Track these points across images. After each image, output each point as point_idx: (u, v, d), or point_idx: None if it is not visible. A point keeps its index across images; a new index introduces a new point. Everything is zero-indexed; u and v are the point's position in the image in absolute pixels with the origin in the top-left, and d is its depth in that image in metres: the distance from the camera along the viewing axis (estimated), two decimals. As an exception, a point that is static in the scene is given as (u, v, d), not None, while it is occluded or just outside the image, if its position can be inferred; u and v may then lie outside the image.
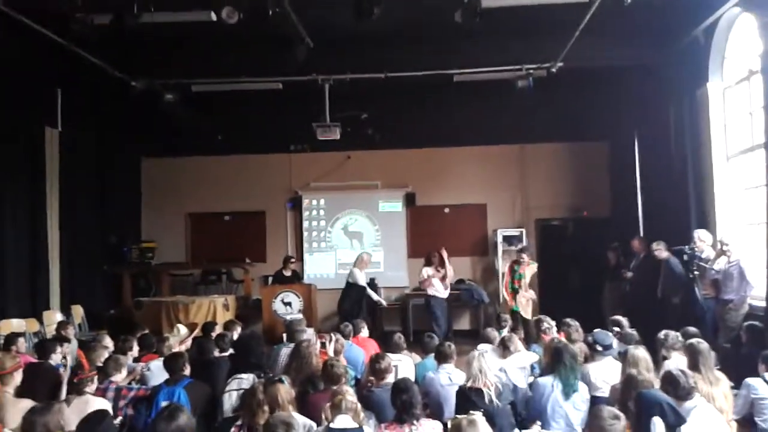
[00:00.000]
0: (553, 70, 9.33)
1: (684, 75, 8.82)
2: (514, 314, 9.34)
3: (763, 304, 6.80)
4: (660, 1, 7.98)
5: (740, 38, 8.10)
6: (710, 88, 8.47)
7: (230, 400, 5.14)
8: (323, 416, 4.16)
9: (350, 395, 4.20)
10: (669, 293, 8.10)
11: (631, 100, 10.59)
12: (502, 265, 11.19)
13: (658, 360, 5.37)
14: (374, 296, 10.35)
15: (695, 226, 8.23)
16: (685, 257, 7.49)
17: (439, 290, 9.75)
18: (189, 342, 7.48)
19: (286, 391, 4.48)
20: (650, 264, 8.98)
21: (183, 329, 8.22)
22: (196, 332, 8.15)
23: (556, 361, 4.90)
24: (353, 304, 9.89)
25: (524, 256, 9.68)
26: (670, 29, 8.74)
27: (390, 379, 5.06)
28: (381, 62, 9.37)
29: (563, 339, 5.82)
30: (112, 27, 6.91)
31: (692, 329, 5.80)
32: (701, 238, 7.67)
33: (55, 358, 6.05)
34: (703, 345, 4.83)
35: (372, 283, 10.80)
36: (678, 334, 5.60)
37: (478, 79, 9.68)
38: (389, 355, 5.67)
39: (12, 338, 6.61)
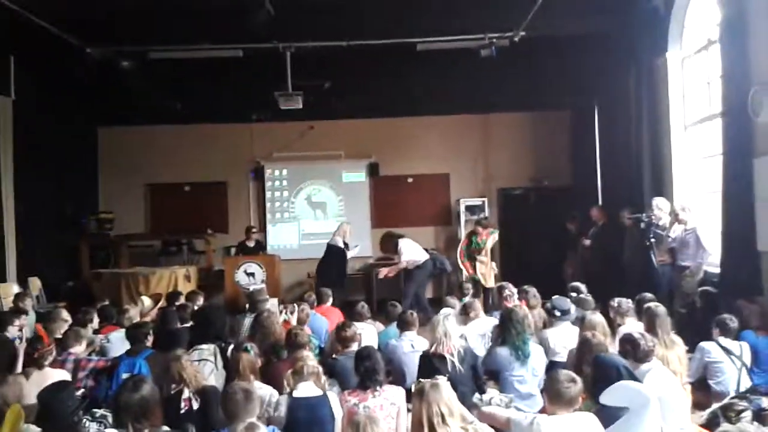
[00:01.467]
0: (516, 39, 9.33)
1: (644, 44, 8.88)
2: (476, 283, 9.45)
3: (717, 270, 6.98)
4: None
5: (700, 7, 8.16)
6: (669, 57, 8.56)
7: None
8: (285, 383, 4.17)
9: (311, 360, 4.23)
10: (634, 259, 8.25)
11: (592, 69, 10.62)
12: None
13: (614, 325, 5.50)
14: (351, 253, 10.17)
15: (651, 195, 8.37)
16: (642, 225, 7.62)
17: (418, 254, 9.62)
18: (154, 314, 7.39)
19: (248, 360, 4.49)
20: (609, 232, 9.15)
21: (147, 301, 8.06)
22: (161, 303, 8.09)
23: (504, 329, 4.98)
24: (331, 268, 9.75)
25: (479, 228, 9.72)
26: (630, -1, 8.79)
27: (355, 347, 5.10)
28: (343, 30, 9.24)
29: (524, 306, 5.91)
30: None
31: (648, 294, 5.93)
32: (659, 206, 7.77)
33: (12, 331, 5.94)
34: (660, 308, 4.96)
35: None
36: (629, 300, 5.73)
37: (442, 47, 9.62)
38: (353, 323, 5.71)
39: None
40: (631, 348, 4.10)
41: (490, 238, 9.73)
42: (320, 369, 4.25)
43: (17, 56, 9.51)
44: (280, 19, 8.14)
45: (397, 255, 9.58)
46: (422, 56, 9.85)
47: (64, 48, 8.92)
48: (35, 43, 8.90)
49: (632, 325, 5.23)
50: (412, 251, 9.55)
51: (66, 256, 11.03)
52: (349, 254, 9.91)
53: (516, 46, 9.42)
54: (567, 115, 12.10)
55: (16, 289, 8.82)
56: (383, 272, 9.89)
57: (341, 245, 9.82)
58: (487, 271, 9.52)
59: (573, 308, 5.78)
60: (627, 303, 5.64)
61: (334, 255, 9.77)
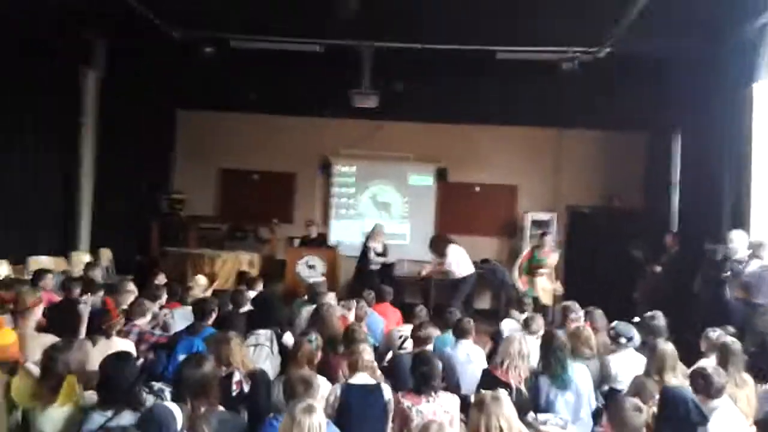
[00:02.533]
0: (600, 55, 9.14)
1: (732, 73, 8.55)
2: (535, 299, 9.25)
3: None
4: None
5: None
6: (757, 88, 8.23)
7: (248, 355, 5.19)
8: (341, 374, 4.23)
9: (367, 354, 4.26)
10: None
11: (675, 93, 10.34)
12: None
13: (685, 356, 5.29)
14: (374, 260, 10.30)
15: (728, 226, 8.07)
16: (719, 257, 7.36)
17: (464, 265, 9.66)
18: (209, 294, 7.51)
19: (308, 350, 4.53)
20: (682, 260, 8.87)
21: (202, 280, 8.21)
22: (216, 285, 8.26)
23: (543, 356, 4.83)
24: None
25: (546, 239, 9.49)
26: (721, 25, 8.46)
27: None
28: (423, 33, 9.20)
29: (588, 328, 5.74)
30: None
31: (730, 329, 5.69)
32: (737, 239, 7.50)
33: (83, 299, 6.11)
34: (737, 345, 4.79)
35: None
36: (723, 333, 5.48)
37: (522, 58, 9.50)
38: (406, 326, 5.72)
39: (40, 274, 6.67)
40: (703, 382, 3.94)
41: (552, 256, 9.51)
42: (375, 364, 4.28)
43: (107, 35, 9.80)
44: (361, 18, 8.17)
45: (443, 258, 9.60)
46: (500, 65, 9.74)
47: (151, 30, 9.15)
48: (125, 23, 9.15)
49: (713, 359, 5.02)
50: (458, 259, 9.57)
51: (137, 232, 11.35)
52: (371, 257, 10.03)
53: (598, 61, 9.24)
54: (644, 137, 11.80)
55: (87, 258, 9.12)
56: (425, 270, 10.00)
57: (369, 245, 10.02)
58: (548, 288, 9.31)
59: (636, 335, 5.61)
60: (720, 335, 5.39)
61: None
